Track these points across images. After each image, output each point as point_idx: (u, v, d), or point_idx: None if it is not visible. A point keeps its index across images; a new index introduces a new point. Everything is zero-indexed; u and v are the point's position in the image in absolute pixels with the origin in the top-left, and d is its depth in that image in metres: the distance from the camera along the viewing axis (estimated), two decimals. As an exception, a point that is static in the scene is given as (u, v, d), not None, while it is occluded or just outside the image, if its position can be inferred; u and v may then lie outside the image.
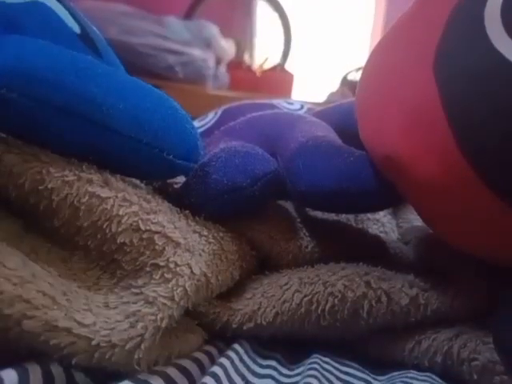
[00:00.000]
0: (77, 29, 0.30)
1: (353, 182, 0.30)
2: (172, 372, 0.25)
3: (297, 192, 0.32)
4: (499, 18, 0.24)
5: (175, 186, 0.33)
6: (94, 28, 0.34)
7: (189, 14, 1.59)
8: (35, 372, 0.21)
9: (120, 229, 0.25)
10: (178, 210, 0.30)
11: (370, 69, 0.33)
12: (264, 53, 1.70)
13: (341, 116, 0.43)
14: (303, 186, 0.31)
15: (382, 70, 0.30)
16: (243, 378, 0.26)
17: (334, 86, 1.50)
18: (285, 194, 0.33)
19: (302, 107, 0.52)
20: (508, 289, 0.29)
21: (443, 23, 0.26)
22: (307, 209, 0.39)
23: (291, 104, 0.52)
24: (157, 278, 0.25)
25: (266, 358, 0.30)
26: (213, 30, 1.33)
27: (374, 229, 0.42)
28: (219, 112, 0.49)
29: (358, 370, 0.29)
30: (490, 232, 0.26)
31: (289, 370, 0.29)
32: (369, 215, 0.43)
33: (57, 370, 0.22)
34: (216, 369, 0.25)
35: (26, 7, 0.27)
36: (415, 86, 0.27)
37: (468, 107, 0.24)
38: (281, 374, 0.28)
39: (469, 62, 0.24)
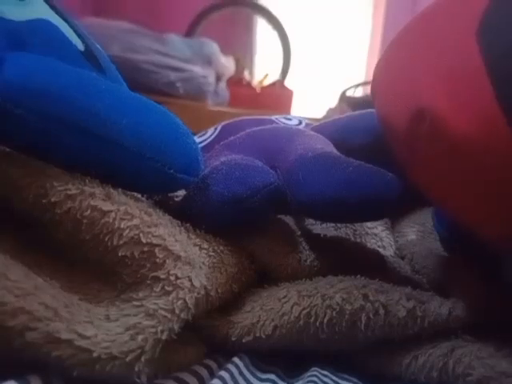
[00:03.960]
0: (81, 46, 0.31)
1: (353, 191, 0.30)
2: (171, 385, 0.25)
3: (298, 203, 0.32)
4: None
5: (176, 200, 0.33)
6: (98, 45, 0.34)
7: (190, 32, 1.61)
8: (36, 384, 0.21)
9: (121, 242, 0.25)
10: (179, 223, 0.30)
11: (405, 32, 0.32)
12: (264, 69, 1.72)
13: (339, 130, 0.44)
14: (304, 196, 0.31)
15: (419, 32, 0.30)
16: (242, 391, 0.27)
17: (333, 102, 1.52)
18: (284, 207, 0.34)
19: (300, 123, 0.52)
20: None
21: None
22: (307, 223, 0.39)
23: (290, 120, 0.52)
24: (157, 290, 0.25)
25: (265, 371, 0.30)
26: (213, 47, 1.35)
27: (372, 243, 0.42)
28: (219, 128, 0.49)
29: (356, 383, 0.29)
30: None
31: (288, 383, 0.29)
32: (367, 230, 0.43)
33: (58, 383, 0.22)
34: (216, 382, 0.25)
35: (31, 25, 0.28)
36: (455, 42, 0.26)
37: (508, 59, 0.23)
38: (280, 387, 0.29)
39: None
